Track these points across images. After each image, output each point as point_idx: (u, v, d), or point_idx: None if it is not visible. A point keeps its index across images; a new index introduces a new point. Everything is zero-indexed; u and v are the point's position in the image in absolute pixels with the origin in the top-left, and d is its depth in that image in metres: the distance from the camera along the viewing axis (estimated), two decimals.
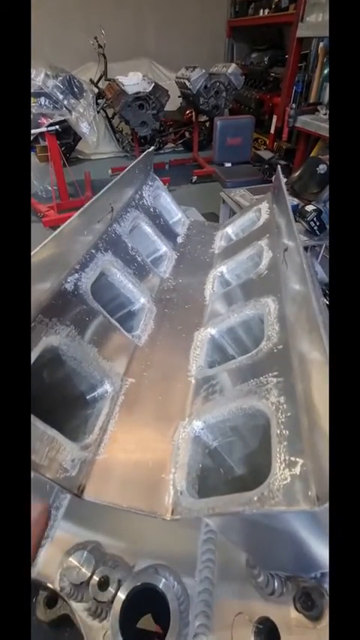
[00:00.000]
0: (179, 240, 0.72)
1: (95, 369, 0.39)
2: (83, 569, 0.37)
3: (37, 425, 0.29)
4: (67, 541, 0.42)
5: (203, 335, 0.49)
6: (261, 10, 4.82)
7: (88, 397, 0.39)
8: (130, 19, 5.32)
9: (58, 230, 0.37)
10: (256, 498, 0.25)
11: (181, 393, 0.41)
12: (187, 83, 3.92)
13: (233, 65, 4.06)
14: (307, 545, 0.30)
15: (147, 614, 0.42)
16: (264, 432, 0.32)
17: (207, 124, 5.16)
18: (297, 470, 0.25)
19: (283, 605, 0.33)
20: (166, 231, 0.69)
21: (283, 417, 0.29)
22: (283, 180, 0.61)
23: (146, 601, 0.40)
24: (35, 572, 0.40)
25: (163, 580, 0.37)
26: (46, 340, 0.34)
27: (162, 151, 5.47)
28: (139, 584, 0.37)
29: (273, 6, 4.65)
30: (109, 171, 4.55)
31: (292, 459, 0.26)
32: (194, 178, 4.45)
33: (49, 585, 0.38)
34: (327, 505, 0.21)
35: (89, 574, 0.36)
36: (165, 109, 4.21)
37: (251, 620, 0.33)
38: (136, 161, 0.62)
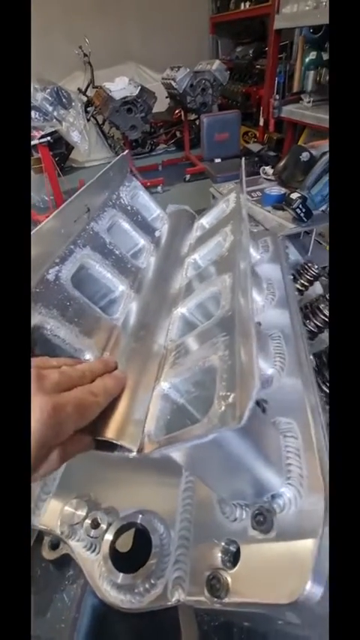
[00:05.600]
0: (157, 233, 0.78)
1: (76, 345, 0.45)
2: (77, 513, 0.44)
3: None
4: (65, 496, 0.48)
5: (175, 314, 0.55)
6: (242, 4, 4.84)
7: None
8: (114, 26, 5.39)
9: (36, 229, 0.44)
10: (199, 426, 0.31)
11: (154, 363, 0.47)
12: (173, 83, 3.98)
13: (217, 61, 4.10)
14: (254, 472, 0.36)
15: None
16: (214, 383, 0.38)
17: (196, 122, 5.21)
18: (229, 400, 0.31)
19: (243, 527, 0.39)
20: (144, 227, 0.76)
21: (225, 365, 0.35)
22: (244, 172, 0.66)
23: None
24: (39, 522, 0.47)
25: (146, 519, 0.44)
26: (32, 320, 0.41)
27: (154, 153, 5.53)
28: (125, 523, 0.43)
29: None
30: None
31: (227, 393, 0.32)
32: (187, 177, 4.51)
33: (51, 531, 0.45)
34: (244, 419, 0.27)
35: (83, 515, 0.43)
36: (154, 110, 4.26)
37: (219, 541, 0.40)
38: (110, 164, 0.68)
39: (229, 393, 0.32)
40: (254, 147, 3.70)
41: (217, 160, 3.18)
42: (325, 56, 2.90)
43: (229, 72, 4.21)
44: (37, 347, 0.42)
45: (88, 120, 4.31)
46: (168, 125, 5.18)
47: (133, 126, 3.93)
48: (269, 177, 2.24)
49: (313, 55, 2.81)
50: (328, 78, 2.81)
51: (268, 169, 2.29)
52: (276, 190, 1.97)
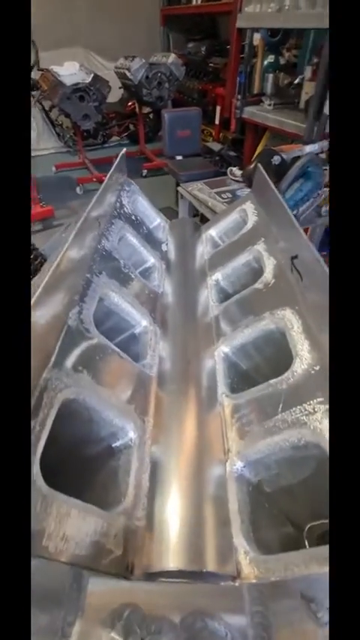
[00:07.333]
0: (164, 247, 0.67)
1: (115, 416, 0.34)
2: None
3: (73, 510, 0.24)
4: (99, 609, 0.37)
5: (216, 355, 0.46)
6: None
7: (113, 447, 0.34)
8: (60, 3, 4.99)
9: (56, 262, 0.32)
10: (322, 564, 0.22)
11: (211, 427, 0.37)
12: (128, 73, 3.79)
13: (173, 55, 3.99)
14: None
15: None
16: (316, 462, 0.30)
17: (151, 116, 5.06)
18: None
19: None
20: (150, 240, 0.65)
21: None
22: (267, 178, 0.58)
23: None
24: None
25: (214, 632, 0.34)
26: (60, 397, 0.29)
27: (107, 145, 5.27)
28: None
29: None
30: (53, 169, 4.29)
31: None
32: (145, 172, 4.35)
33: None
34: None
35: None
36: (106, 100, 4.03)
37: None
38: (112, 168, 0.56)
39: None
40: (214, 146, 3.67)
41: (179, 157, 3.09)
42: (282, 60, 2.94)
43: (184, 67, 4.12)
44: (72, 423, 0.30)
45: (34, 105, 3.94)
46: (121, 117, 4.94)
47: (86, 115, 3.67)
48: (237, 179, 2.20)
49: (271, 58, 2.83)
50: (285, 82, 2.84)
51: (236, 170, 2.25)
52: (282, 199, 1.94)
